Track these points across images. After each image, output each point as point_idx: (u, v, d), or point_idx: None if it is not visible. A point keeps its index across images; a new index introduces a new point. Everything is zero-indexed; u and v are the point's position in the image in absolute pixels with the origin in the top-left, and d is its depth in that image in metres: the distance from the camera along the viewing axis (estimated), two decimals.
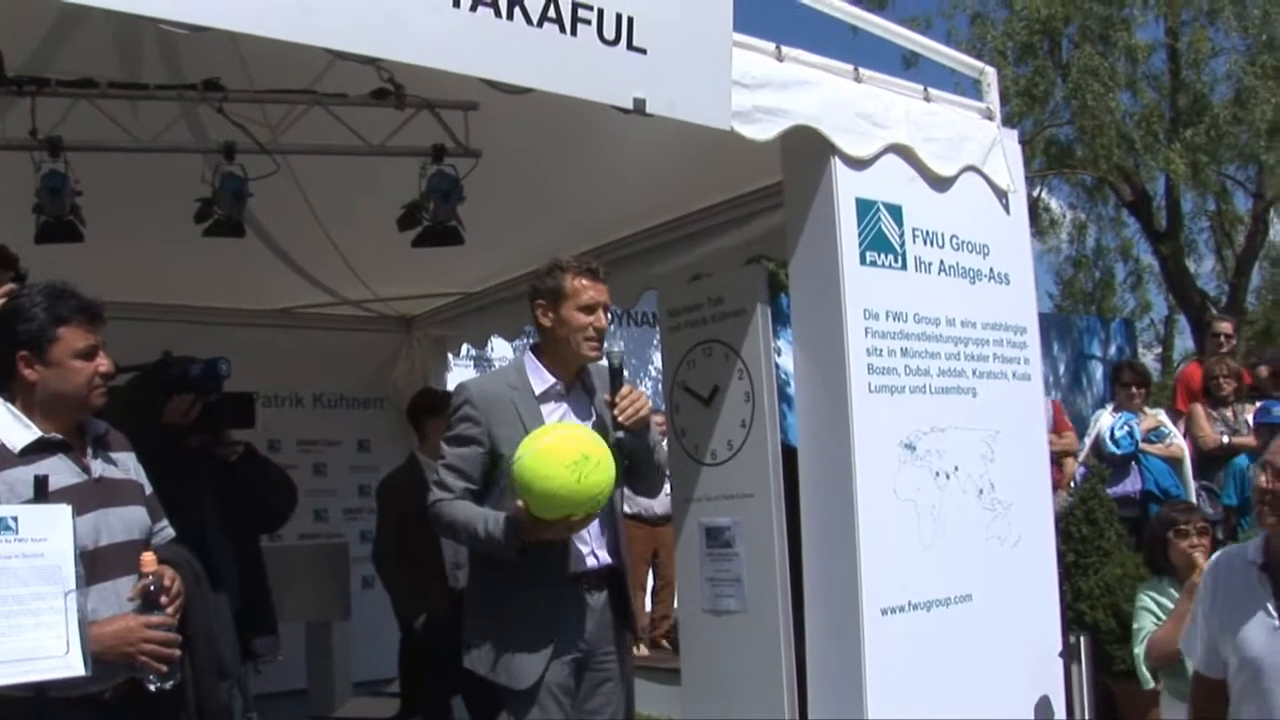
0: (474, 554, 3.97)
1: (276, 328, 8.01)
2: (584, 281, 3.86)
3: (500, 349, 9.79)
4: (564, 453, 3.49)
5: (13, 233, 4.46)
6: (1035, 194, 18.41)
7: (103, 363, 3.06)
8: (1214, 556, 3.63)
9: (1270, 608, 3.21)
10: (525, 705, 3.73)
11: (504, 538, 3.67)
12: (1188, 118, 15.99)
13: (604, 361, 3.91)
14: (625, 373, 3.96)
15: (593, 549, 3.89)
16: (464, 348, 8.78)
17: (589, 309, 3.86)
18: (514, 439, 3.63)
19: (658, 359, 6.21)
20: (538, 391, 3.89)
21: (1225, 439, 7.62)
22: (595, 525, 3.86)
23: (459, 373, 8.75)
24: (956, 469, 4.57)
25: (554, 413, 3.89)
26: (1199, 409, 7.78)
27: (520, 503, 3.56)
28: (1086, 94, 15.04)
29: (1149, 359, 21.16)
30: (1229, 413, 7.69)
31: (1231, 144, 15.85)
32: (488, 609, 3.88)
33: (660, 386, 5.42)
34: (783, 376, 4.73)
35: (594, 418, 3.95)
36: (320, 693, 7.49)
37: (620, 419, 3.81)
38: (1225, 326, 8.52)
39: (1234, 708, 3.30)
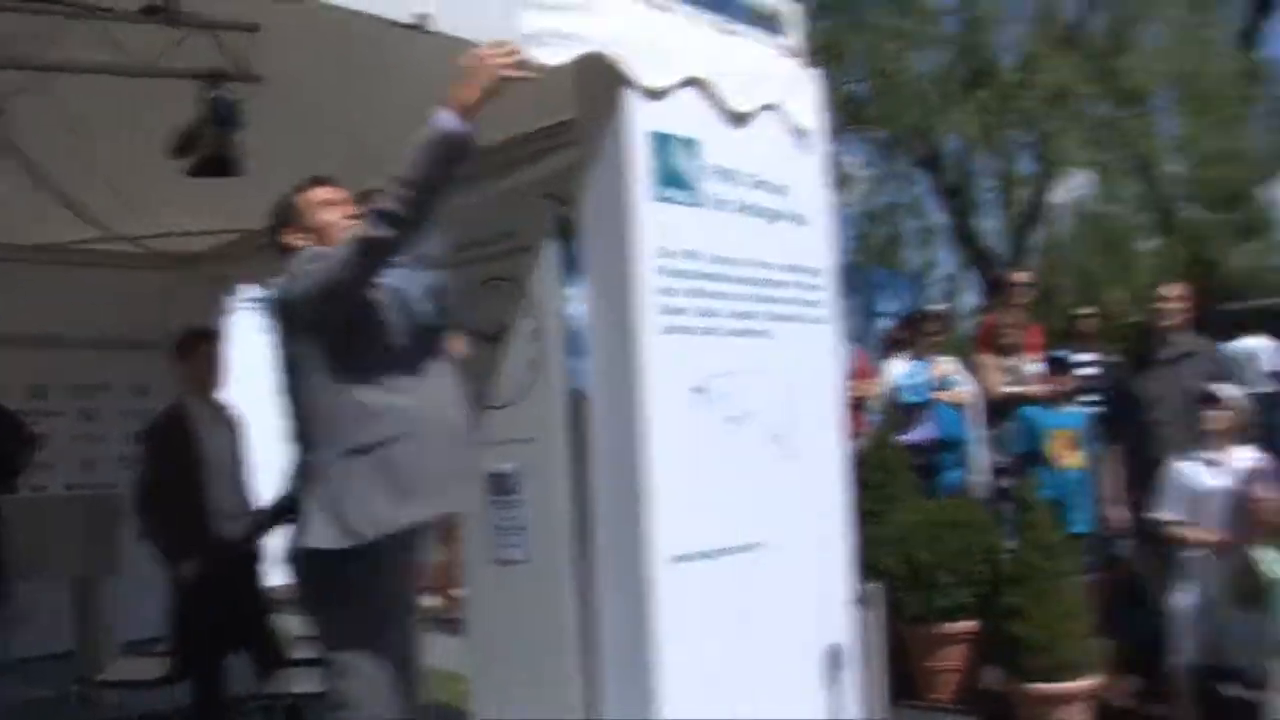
0: None
1: (41, 264, 7.47)
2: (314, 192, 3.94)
3: None
4: None
5: None
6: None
7: None
8: None
9: None
10: None
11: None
12: (979, 80, 16.41)
13: None
14: None
15: None
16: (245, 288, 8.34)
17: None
18: None
19: None
20: None
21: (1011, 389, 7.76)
22: None
23: (241, 314, 8.37)
24: (749, 414, 4.48)
25: None
26: (986, 359, 7.94)
27: None
28: (879, 56, 15.27)
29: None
30: (1015, 361, 7.84)
31: (1016, 109, 16.33)
32: None
33: None
34: (575, 324, 4.62)
35: None
36: (88, 653, 7.08)
37: None
38: (1022, 276, 8.77)
39: None
